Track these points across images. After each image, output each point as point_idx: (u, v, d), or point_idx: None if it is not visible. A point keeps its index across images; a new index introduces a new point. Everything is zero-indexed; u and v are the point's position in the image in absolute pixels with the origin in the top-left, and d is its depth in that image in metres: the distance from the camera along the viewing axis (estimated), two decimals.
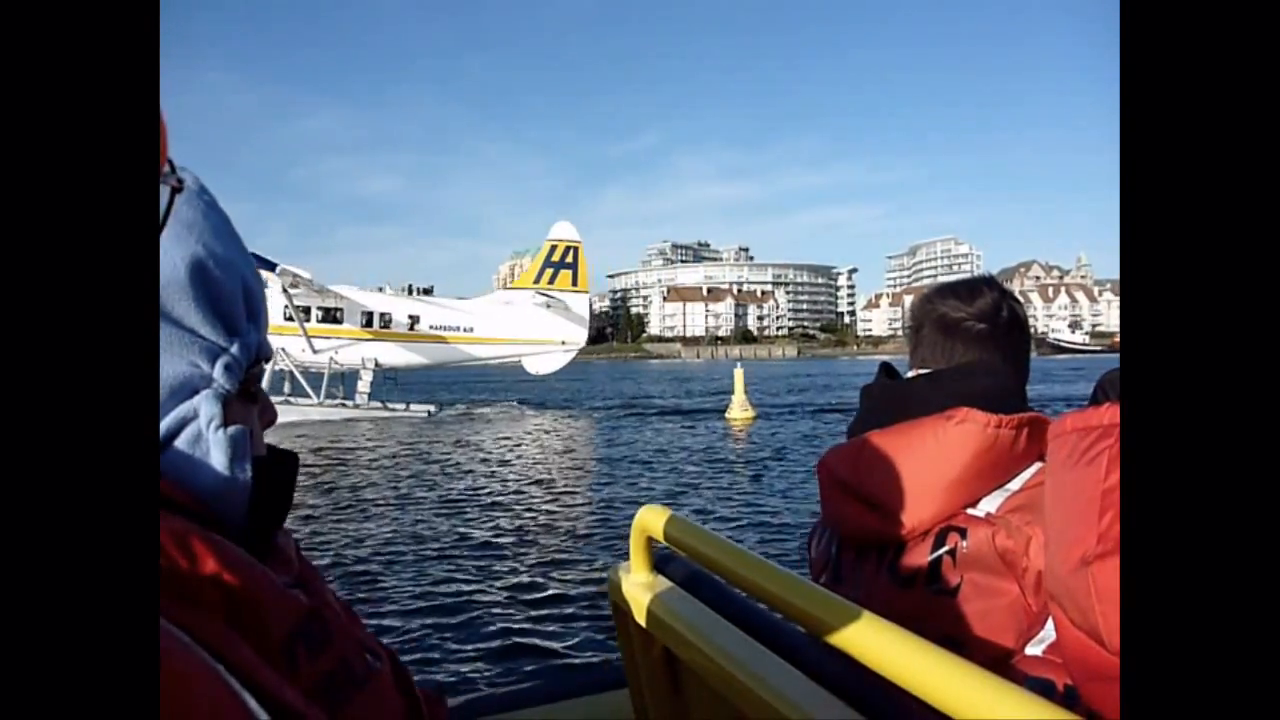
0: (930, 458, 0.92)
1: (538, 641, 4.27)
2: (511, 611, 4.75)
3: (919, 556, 0.92)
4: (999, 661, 0.84)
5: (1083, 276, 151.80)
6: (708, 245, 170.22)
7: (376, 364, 19.04)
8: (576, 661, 4.01)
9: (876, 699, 0.66)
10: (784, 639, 0.79)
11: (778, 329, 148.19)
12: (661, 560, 1.02)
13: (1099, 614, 0.57)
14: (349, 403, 18.20)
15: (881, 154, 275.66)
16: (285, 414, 12.50)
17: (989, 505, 0.90)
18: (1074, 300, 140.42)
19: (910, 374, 1.06)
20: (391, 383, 19.56)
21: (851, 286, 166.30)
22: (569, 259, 21.93)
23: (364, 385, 18.71)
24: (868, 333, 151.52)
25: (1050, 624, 0.81)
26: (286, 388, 17.65)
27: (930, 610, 0.88)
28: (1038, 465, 0.92)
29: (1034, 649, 0.84)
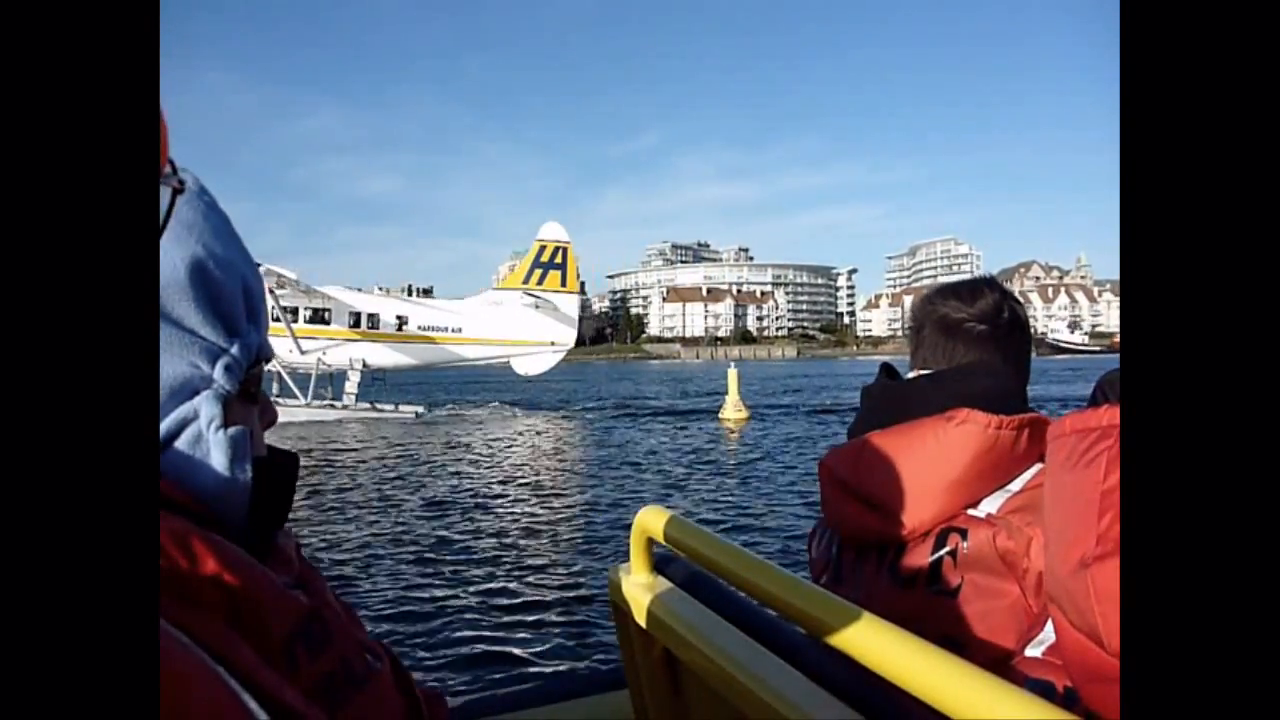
0: (931, 458, 0.92)
1: (538, 642, 4.27)
2: (511, 612, 4.75)
3: (919, 557, 0.92)
4: (999, 662, 0.84)
5: (1082, 277, 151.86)
6: (707, 245, 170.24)
7: (364, 365, 18.97)
8: (576, 662, 4.01)
9: (876, 700, 0.66)
10: (784, 640, 0.79)
11: (777, 329, 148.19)
12: (662, 561, 1.02)
13: (1098, 615, 0.57)
14: (337, 403, 18.14)
15: (881, 154, 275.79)
16: None
17: (990, 506, 0.90)
18: (1074, 300, 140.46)
19: (911, 375, 1.06)
20: (380, 383, 19.51)
21: (851, 287, 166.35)
22: (558, 259, 21.88)
23: (351, 386, 18.65)
24: (867, 333, 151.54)
25: (1050, 625, 0.81)
26: (274, 388, 17.62)
27: (931, 611, 0.88)
28: (1038, 466, 0.91)
29: (1034, 650, 0.84)
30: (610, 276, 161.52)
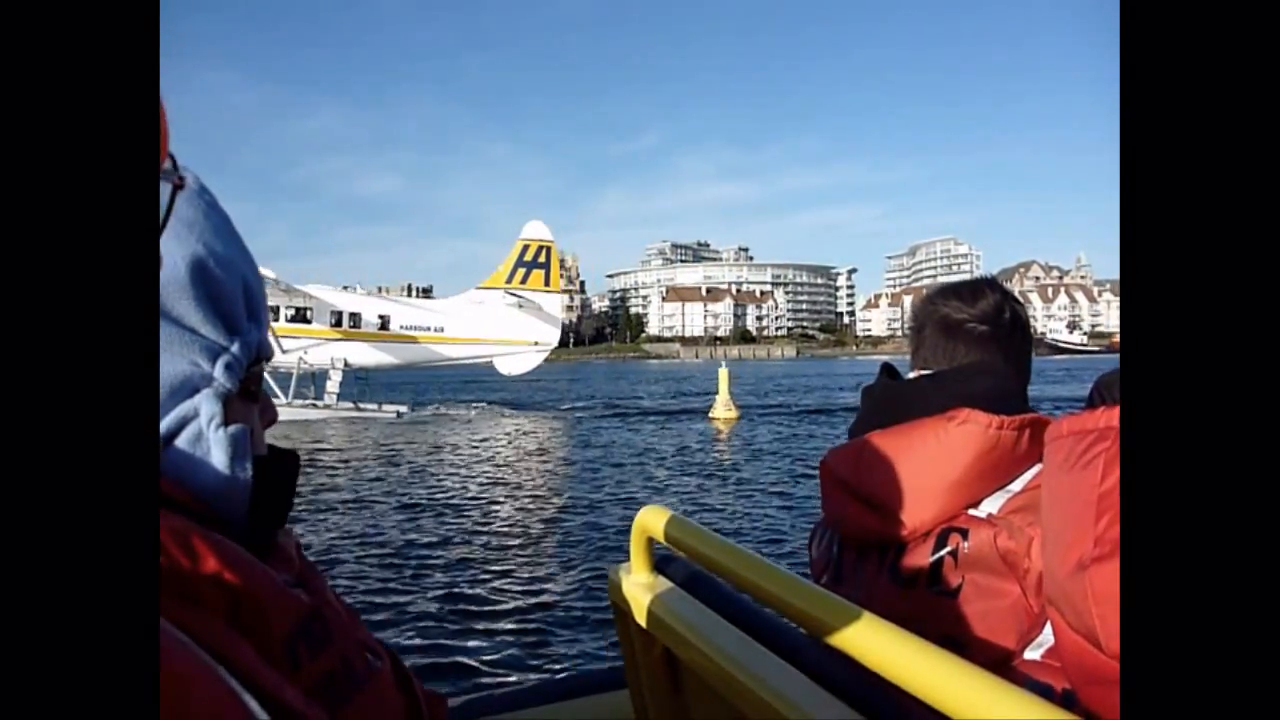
0: (932, 458, 0.92)
1: (538, 642, 4.27)
2: (511, 611, 4.75)
3: (920, 557, 0.92)
4: (1000, 663, 0.84)
5: (1082, 277, 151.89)
6: (707, 245, 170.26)
7: (346, 364, 18.90)
8: (577, 662, 4.01)
9: (876, 700, 0.66)
10: (784, 640, 0.79)
11: (777, 329, 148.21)
12: (662, 561, 1.02)
13: (1096, 617, 0.57)
14: (319, 403, 18.07)
15: (881, 154, 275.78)
16: None
17: (990, 506, 0.90)
18: (1073, 300, 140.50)
19: (912, 375, 1.06)
20: (363, 383, 19.44)
21: (851, 287, 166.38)
22: (541, 259, 21.76)
23: (333, 385, 18.58)
24: (867, 333, 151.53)
25: (1049, 628, 0.81)
26: None
27: (931, 611, 0.88)
28: (1039, 466, 0.91)
29: (1032, 653, 0.84)
30: (610, 276, 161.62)
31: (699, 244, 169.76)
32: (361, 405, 18.59)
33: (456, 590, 5.17)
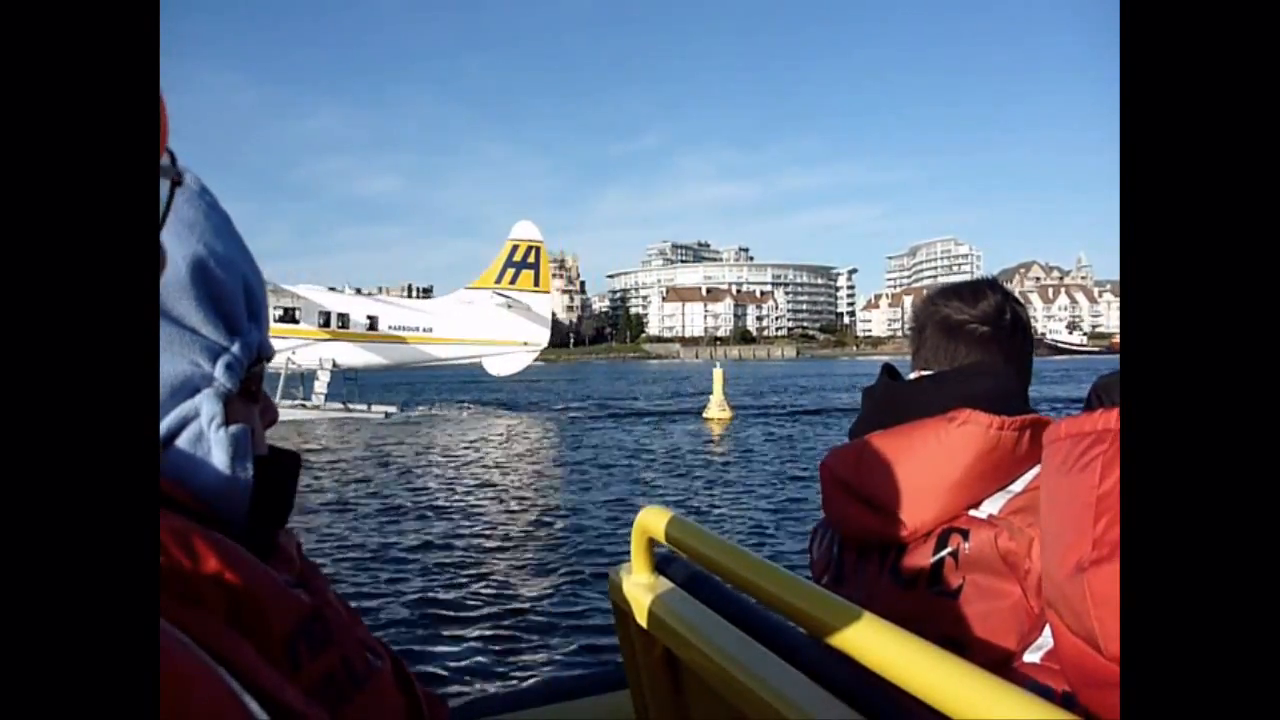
0: (932, 459, 0.92)
1: (538, 642, 4.27)
2: (511, 612, 4.75)
3: (921, 558, 0.92)
4: (1001, 663, 0.84)
5: (1083, 277, 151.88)
6: (707, 245, 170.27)
7: (334, 364, 18.81)
8: (577, 662, 4.01)
9: (877, 700, 0.66)
10: (785, 640, 0.79)
11: (777, 329, 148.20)
12: (662, 561, 1.02)
13: (1095, 620, 0.57)
14: (307, 403, 17.99)
15: (881, 154, 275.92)
16: None
17: (991, 507, 0.90)
18: (1074, 301, 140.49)
19: (913, 375, 1.06)
20: (351, 383, 19.37)
21: (851, 287, 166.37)
22: (531, 259, 21.66)
23: (320, 386, 18.48)
24: (867, 333, 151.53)
25: (1048, 630, 0.81)
26: None
27: (932, 612, 0.88)
28: (1040, 467, 0.91)
29: (1032, 655, 0.84)
30: (610, 276, 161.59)
31: (699, 244, 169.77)
32: (350, 406, 18.52)
33: (456, 590, 5.17)
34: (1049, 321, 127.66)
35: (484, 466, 10.96)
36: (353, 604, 0.67)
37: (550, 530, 6.91)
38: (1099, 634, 0.57)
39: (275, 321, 18.22)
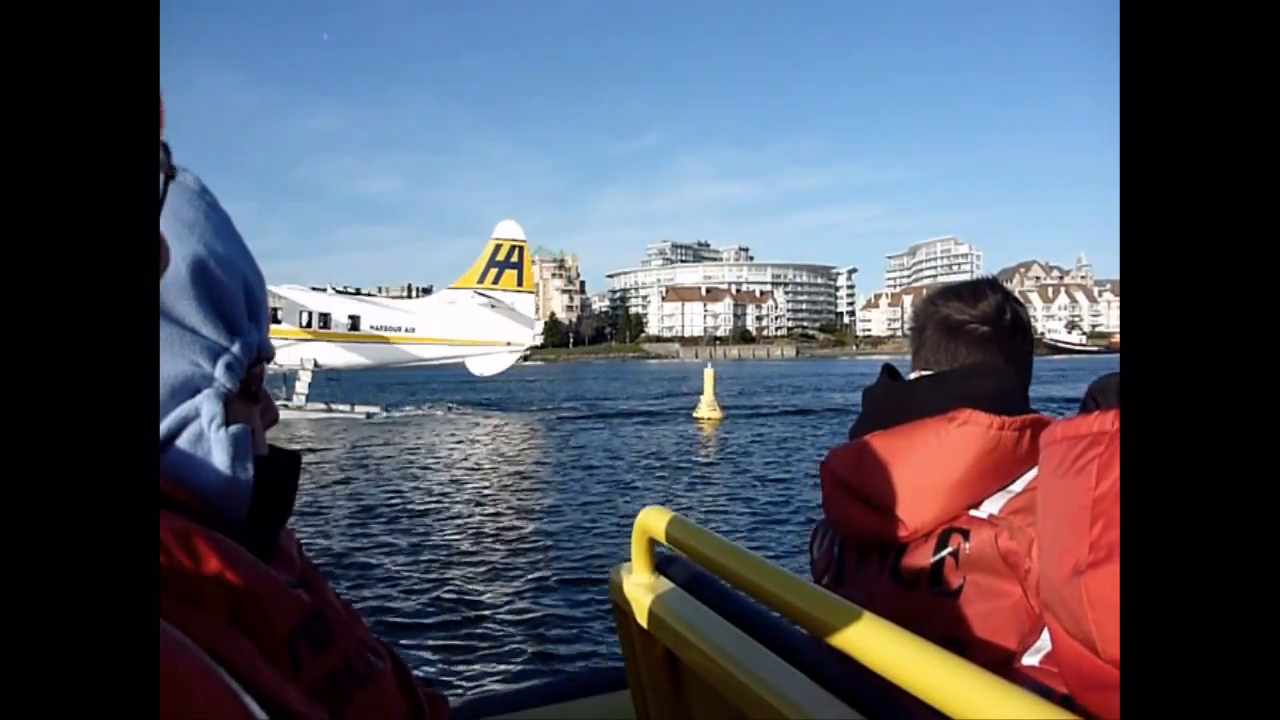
0: (933, 459, 0.92)
1: (538, 642, 4.27)
2: (511, 612, 4.75)
3: (921, 558, 0.92)
4: (1001, 663, 0.84)
5: (1083, 277, 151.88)
6: (707, 245, 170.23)
7: (315, 364, 18.71)
8: (577, 662, 4.01)
9: (877, 700, 0.66)
10: (785, 640, 0.79)
11: (776, 329, 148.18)
12: (663, 561, 1.02)
13: (1093, 623, 0.57)
14: (289, 404, 17.88)
15: (881, 154, 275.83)
16: None
17: (991, 507, 0.90)
18: (1074, 300, 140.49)
19: (913, 375, 1.06)
20: (334, 384, 19.30)
21: (851, 286, 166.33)
22: (514, 258, 21.58)
23: (301, 386, 18.40)
24: (867, 333, 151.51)
25: (1046, 634, 0.81)
26: None
27: (933, 612, 0.88)
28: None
29: (1030, 659, 0.84)
30: (610, 276, 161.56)
31: (699, 244, 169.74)
32: (334, 406, 18.45)
33: (455, 591, 5.17)
34: (1049, 321, 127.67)
35: (476, 468, 10.94)
36: (352, 604, 0.67)
37: (549, 530, 6.92)
38: (1096, 637, 0.57)
39: None
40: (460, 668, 3.94)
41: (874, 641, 0.63)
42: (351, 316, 19.62)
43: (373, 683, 0.57)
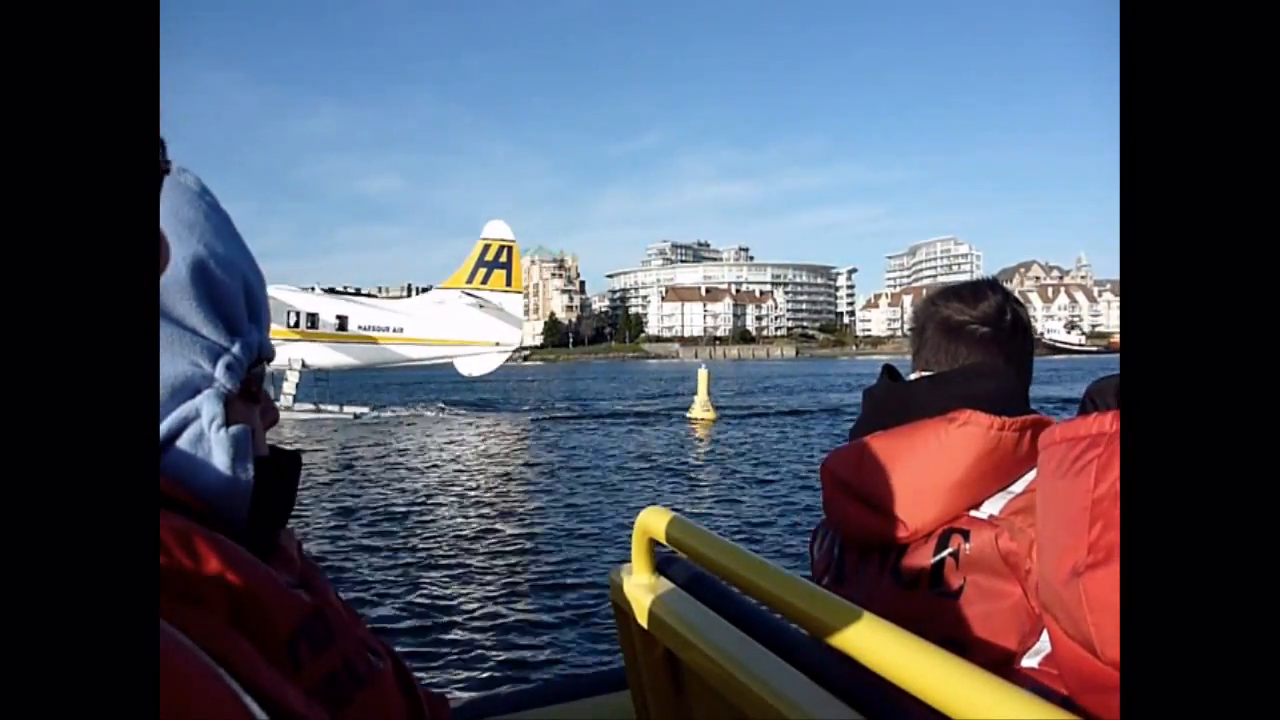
0: (933, 459, 0.92)
1: (538, 642, 4.27)
2: (512, 612, 4.75)
3: (922, 558, 0.92)
4: (1001, 664, 0.84)
5: (1083, 277, 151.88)
6: (707, 245, 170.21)
7: (303, 365, 18.64)
8: (577, 662, 4.01)
9: (877, 700, 0.66)
10: (785, 640, 0.79)
11: (776, 329, 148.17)
12: (663, 562, 1.02)
13: (1092, 624, 0.57)
14: (276, 404, 17.81)
15: (881, 154, 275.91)
16: None
17: (992, 507, 0.90)
18: (1073, 300, 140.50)
19: (913, 376, 1.06)
20: (323, 384, 19.24)
21: (851, 286, 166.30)
22: (503, 259, 21.47)
23: (289, 386, 18.34)
24: (867, 333, 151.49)
25: (1045, 636, 0.81)
26: None
27: (933, 612, 0.88)
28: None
29: (1030, 661, 0.84)
30: (610, 276, 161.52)
31: (699, 244, 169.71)
32: (322, 406, 18.39)
33: (456, 591, 5.17)
34: (1048, 321, 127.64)
35: (468, 469, 10.93)
36: (352, 604, 0.67)
37: (545, 532, 6.91)
38: (1095, 638, 0.57)
39: None
40: (460, 668, 3.94)
41: (874, 642, 0.63)
42: (339, 317, 19.55)
43: (373, 683, 0.57)
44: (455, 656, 4.08)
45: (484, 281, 21.29)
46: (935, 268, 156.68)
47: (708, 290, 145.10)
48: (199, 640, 0.38)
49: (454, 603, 4.94)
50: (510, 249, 21.68)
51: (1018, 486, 0.91)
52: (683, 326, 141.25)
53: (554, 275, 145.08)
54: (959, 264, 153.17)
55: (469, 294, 20.83)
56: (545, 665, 3.97)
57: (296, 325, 18.91)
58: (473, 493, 8.99)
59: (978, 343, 1.02)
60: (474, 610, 4.80)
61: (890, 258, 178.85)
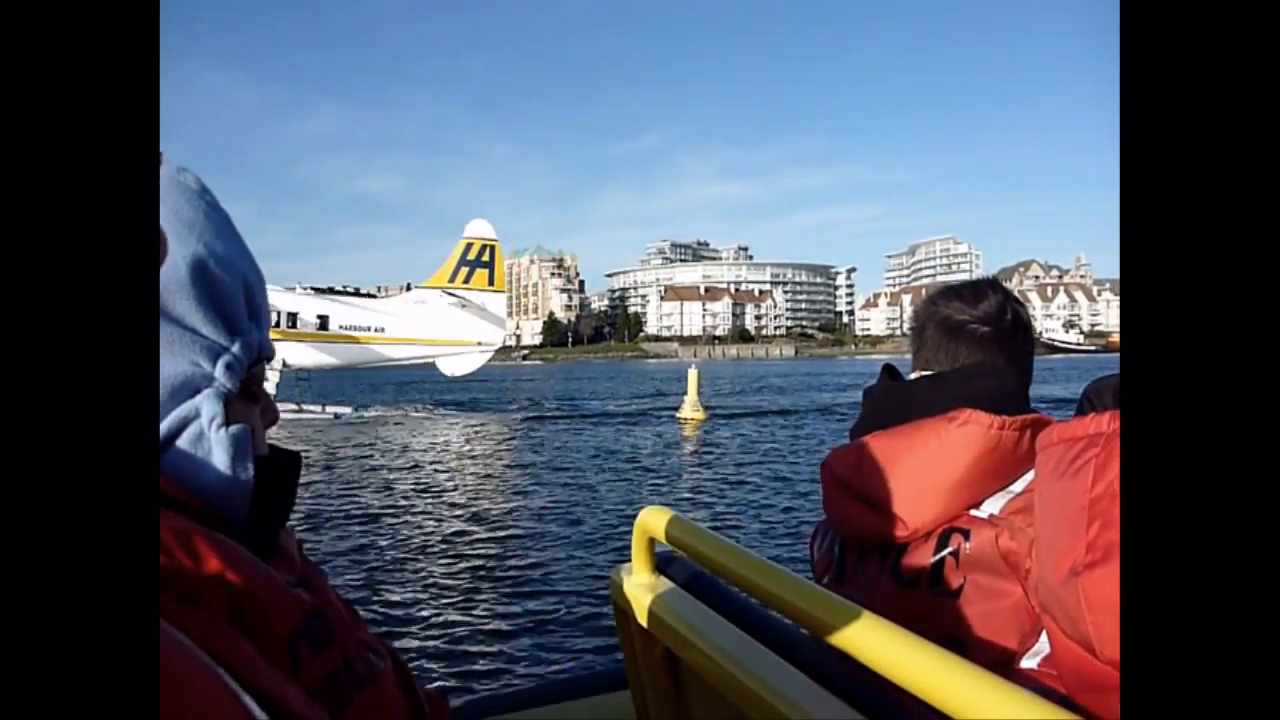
0: (933, 459, 0.92)
1: (538, 642, 4.27)
2: (511, 612, 4.75)
3: (922, 558, 0.92)
4: (1001, 663, 0.84)
5: (1082, 276, 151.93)
6: (707, 245, 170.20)
7: (284, 364, 18.34)
8: (577, 662, 4.01)
9: (877, 699, 0.66)
10: (785, 639, 0.79)
11: (775, 328, 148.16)
12: (663, 561, 1.02)
13: (1090, 624, 0.57)
14: None
15: (881, 154, 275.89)
16: None
17: (992, 507, 0.90)
18: (1073, 300, 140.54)
19: (913, 375, 1.06)
20: (305, 384, 19.08)
21: (850, 286, 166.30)
22: (485, 258, 21.30)
23: (269, 386, 18.12)
24: (866, 332, 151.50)
25: (1044, 637, 0.81)
26: None
27: (933, 611, 0.88)
28: None
29: (1029, 662, 0.84)
30: (609, 275, 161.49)
31: (698, 243, 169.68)
32: (304, 406, 18.22)
33: (455, 590, 5.17)
34: (1047, 320, 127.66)
35: (460, 469, 10.88)
36: (354, 600, 0.66)
37: (542, 532, 6.90)
38: (1094, 638, 0.57)
39: None
40: (460, 668, 3.94)
41: (874, 641, 0.63)
42: (320, 316, 19.33)
43: (373, 683, 0.57)
44: (455, 656, 4.09)
45: (466, 281, 21.12)
46: (934, 267, 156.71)
47: (707, 290, 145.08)
48: (199, 640, 0.38)
49: (453, 602, 4.94)
50: (493, 248, 21.52)
51: (1018, 486, 0.91)
52: (682, 326, 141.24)
53: (553, 275, 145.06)
54: (958, 263, 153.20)
55: (449, 293, 20.68)
56: (545, 665, 3.97)
57: (277, 325, 18.68)
58: (459, 493, 8.98)
59: (978, 342, 1.02)
60: (472, 610, 4.79)
61: (889, 257, 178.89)
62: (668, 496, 8.69)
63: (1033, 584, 0.84)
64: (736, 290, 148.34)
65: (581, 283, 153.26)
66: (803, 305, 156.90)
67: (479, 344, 21.05)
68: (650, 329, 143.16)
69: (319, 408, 18.43)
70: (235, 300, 0.58)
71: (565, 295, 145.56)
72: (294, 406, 18.16)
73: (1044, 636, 0.81)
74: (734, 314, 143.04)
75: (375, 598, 5.00)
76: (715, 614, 0.88)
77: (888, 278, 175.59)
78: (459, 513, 7.78)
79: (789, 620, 0.77)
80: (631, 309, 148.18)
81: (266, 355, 0.62)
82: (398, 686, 0.61)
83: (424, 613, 4.74)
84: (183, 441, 0.54)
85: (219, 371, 0.56)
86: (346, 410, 18.63)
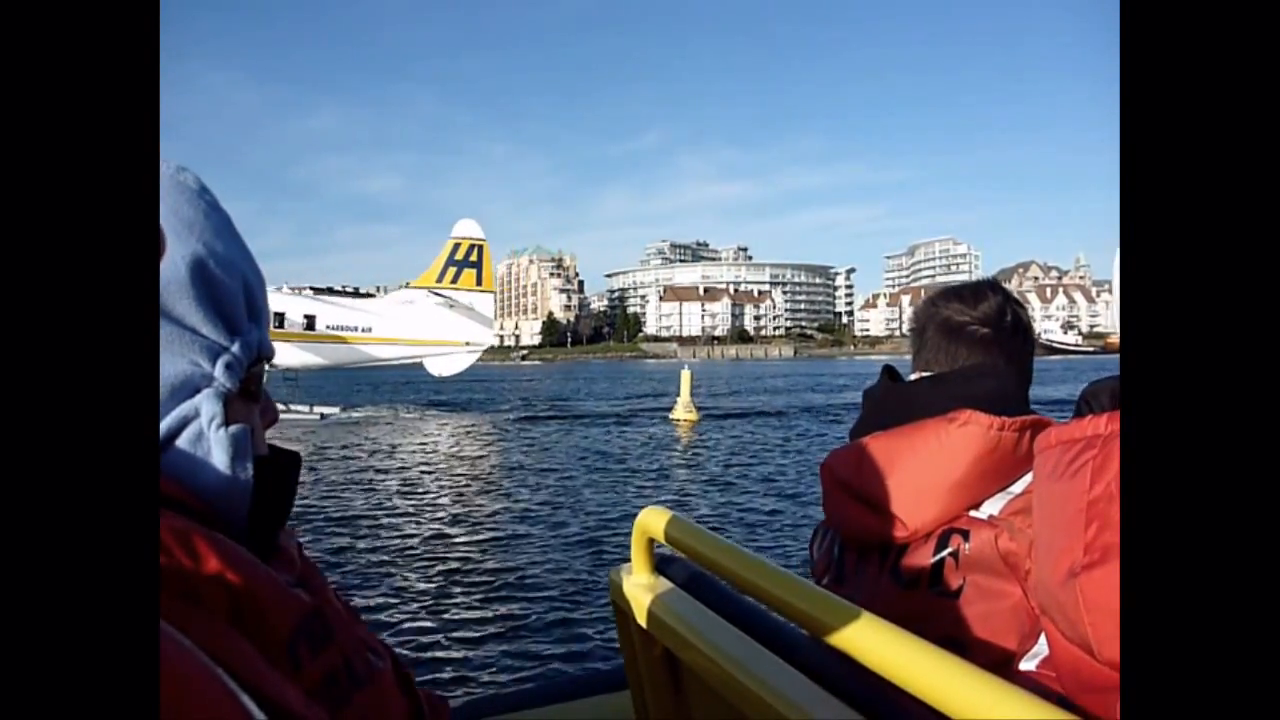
0: (933, 459, 0.92)
1: (538, 642, 4.27)
2: (511, 612, 4.75)
3: (921, 558, 0.92)
4: (1001, 664, 0.84)
5: (1081, 277, 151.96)
6: (706, 245, 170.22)
7: (270, 364, 18.43)
8: (577, 662, 4.01)
9: (877, 700, 0.66)
10: (785, 640, 0.79)
11: (775, 329, 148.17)
12: (663, 561, 1.02)
13: (1089, 625, 0.57)
14: None
15: (881, 154, 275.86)
16: None
17: (991, 507, 0.91)
18: (1072, 301, 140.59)
19: (913, 376, 1.06)
20: (292, 384, 19.01)
21: (849, 286, 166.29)
22: (473, 257, 21.21)
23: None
24: (865, 333, 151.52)
25: (1043, 639, 0.81)
26: None
27: (933, 612, 0.88)
28: None
29: (1028, 664, 0.84)
30: (608, 275, 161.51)
31: (698, 244, 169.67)
32: (292, 406, 18.05)
33: (455, 591, 5.16)
34: (1046, 321, 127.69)
35: (452, 470, 10.85)
36: (353, 601, 0.66)
37: (539, 532, 6.90)
38: (1093, 639, 0.57)
39: None
40: (460, 668, 3.94)
41: (874, 641, 0.63)
42: (307, 316, 19.22)
43: (373, 683, 0.57)
44: (455, 656, 4.08)
45: (454, 281, 21.01)
46: (934, 268, 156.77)
47: (706, 290, 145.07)
48: (199, 640, 0.38)
49: (452, 602, 4.94)
50: (481, 248, 21.41)
51: (1017, 487, 0.91)
52: (681, 326, 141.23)
53: (552, 275, 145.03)
54: (957, 264, 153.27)
55: (437, 293, 20.58)
56: (545, 665, 3.97)
57: None
58: (451, 494, 8.96)
59: (978, 343, 1.02)
60: (471, 610, 4.79)
61: (889, 257, 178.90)
62: (653, 498, 8.69)
63: (1032, 585, 0.85)
64: (736, 291, 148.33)
65: (581, 283, 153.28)
66: (802, 306, 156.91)
67: (467, 344, 20.96)
68: (649, 329, 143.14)
69: (306, 408, 18.32)
70: (235, 300, 0.58)
71: (564, 295, 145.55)
72: (281, 406, 17.99)
73: (1043, 639, 0.82)
74: (733, 314, 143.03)
75: (372, 599, 5.00)
76: (715, 614, 0.88)
77: (887, 278, 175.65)
78: (454, 513, 7.77)
79: (789, 621, 0.77)
80: (631, 309, 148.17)
81: (266, 355, 0.62)
82: (397, 686, 0.61)
83: (422, 613, 4.74)
84: (182, 441, 0.54)
85: (219, 371, 0.56)
86: (334, 410, 18.54)
